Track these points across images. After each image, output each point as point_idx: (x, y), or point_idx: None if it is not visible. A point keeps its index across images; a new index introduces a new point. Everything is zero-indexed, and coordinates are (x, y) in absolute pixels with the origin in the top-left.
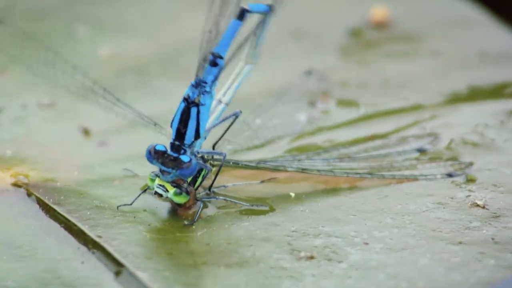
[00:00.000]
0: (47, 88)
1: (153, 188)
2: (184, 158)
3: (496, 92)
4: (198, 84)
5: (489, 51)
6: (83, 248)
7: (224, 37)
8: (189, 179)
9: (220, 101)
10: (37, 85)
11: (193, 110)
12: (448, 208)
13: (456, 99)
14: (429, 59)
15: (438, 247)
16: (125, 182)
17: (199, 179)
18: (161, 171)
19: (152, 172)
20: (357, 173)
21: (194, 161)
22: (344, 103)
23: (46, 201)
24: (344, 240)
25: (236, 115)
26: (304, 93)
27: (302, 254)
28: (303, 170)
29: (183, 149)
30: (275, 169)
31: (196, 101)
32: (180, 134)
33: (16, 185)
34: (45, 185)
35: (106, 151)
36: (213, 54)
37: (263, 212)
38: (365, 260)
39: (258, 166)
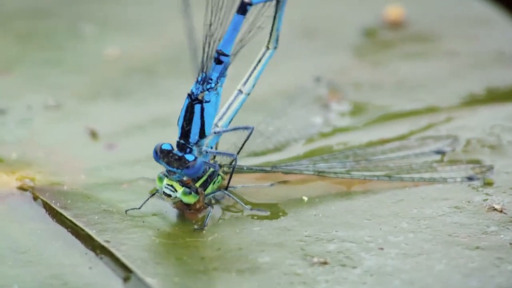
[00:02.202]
0: (52, 89)
1: (162, 188)
2: (189, 157)
3: None
4: (203, 81)
5: (507, 51)
6: (91, 253)
7: (227, 33)
8: (198, 183)
9: (240, 91)
10: (43, 85)
11: (197, 107)
12: (465, 212)
13: (472, 100)
14: (444, 59)
15: (454, 252)
16: (133, 186)
17: (210, 185)
18: (167, 171)
19: (161, 172)
20: (374, 176)
21: (199, 160)
22: (358, 104)
23: (53, 205)
24: (359, 245)
25: (247, 129)
26: (316, 96)
27: (315, 259)
28: (320, 173)
29: (189, 147)
30: (290, 173)
31: (200, 97)
32: (184, 132)
33: (21, 188)
34: (52, 188)
35: (114, 154)
36: (217, 51)
37: (275, 217)
38: (380, 266)
39: (273, 170)
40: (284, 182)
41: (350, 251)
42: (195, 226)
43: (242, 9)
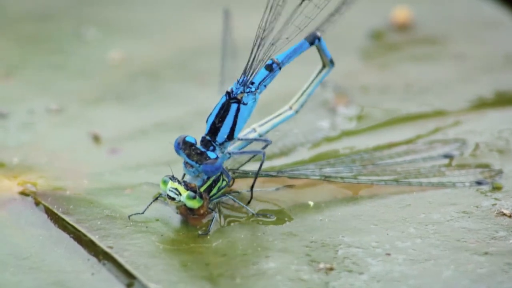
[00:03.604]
0: (55, 93)
1: (166, 192)
2: (211, 154)
3: None
4: (245, 83)
5: None
6: (93, 259)
7: (290, 50)
8: (203, 187)
9: (254, 130)
10: (45, 89)
11: (233, 106)
12: (473, 217)
13: (481, 104)
14: (453, 62)
15: (462, 258)
16: (137, 191)
17: (215, 189)
18: (185, 163)
19: (166, 176)
20: (382, 181)
21: (220, 160)
22: (365, 108)
23: (55, 210)
24: (365, 250)
25: (266, 141)
26: (323, 100)
27: (322, 265)
28: (326, 178)
29: (213, 145)
30: (297, 178)
31: (239, 97)
32: (213, 129)
33: (23, 193)
34: (54, 193)
35: (117, 159)
36: (273, 59)
37: (281, 222)
38: (387, 272)
39: (278, 175)
40: (290, 186)
41: (356, 256)
42: (199, 232)
43: (311, 40)
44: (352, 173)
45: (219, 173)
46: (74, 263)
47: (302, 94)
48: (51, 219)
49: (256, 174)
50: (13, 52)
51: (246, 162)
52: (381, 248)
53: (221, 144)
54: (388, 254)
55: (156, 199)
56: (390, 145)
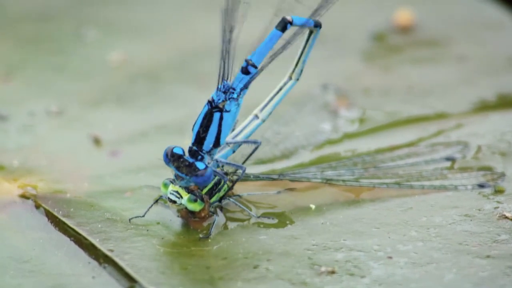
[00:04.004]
0: (55, 95)
1: (167, 194)
2: (199, 165)
3: None
4: (226, 90)
5: None
6: (94, 263)
7: (262, 46)
8: (204, 190)
9: (256, 116)
10: (45, 91)
11: (216, 115)
12: (475, 220)
13: (483, 106)
14: (455, 64)
15: (464, 261)
16: (137, 194)
17: (216, 193)
18: (175, 175)
19: (166, 179)
20: (383, 183)
21: (210, 169)
22: (367, 110)
23: (55, 213)
24: (367, 254)
25: (256, 143)
26: (324, 103)
27: (323, 268)
28: (328, 181)
29: (201, 155)
30: (298, 181)
31: (221, 106)
32: (199, 139)
33: (23, 196)
34: (54, 196)
35: (118, 161)
36: (247, 61)
37: (282, 225)
38: (388, 275)
39: (280, 178)
40: (291, 189)
41: (358, 260)
42: (200, 235)
43: (282, 26)
44: (354, 176)
45: (219, 177)
46: (75, 266)
47: (298, 62)
48: (51, 222)
49: (232, 185)
50: (13, 53)
51: (250, 155)
52: (383, 251)
53: (209, 152)
54: (390, 258)
55: (156, 201)
56: (392, 148)
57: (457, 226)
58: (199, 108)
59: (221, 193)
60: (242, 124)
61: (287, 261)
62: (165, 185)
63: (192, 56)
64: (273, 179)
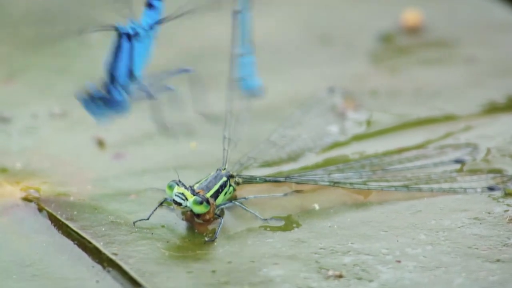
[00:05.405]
0: (59, 96)
1: (172, 197)
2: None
3: None
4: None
5: None
6: (98, 267)
7: None
8: (209, 193)
9: None
10: (49, 93)
11: (126, 45)
12: (485, 223)
13: (492, 108)
14: (464, 66)
15: (474, 265)
16: (141, 197)
17: (221, 195)
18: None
19: (172, 181)
20: (392, 186)
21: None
22: (375, 113)
23: (59, 216)
24: (375, 257)
25: (187, 71)
26: (331, 105)
27: (331, 272)
28: (335, 184)
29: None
30: (305, 183)
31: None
32: (110, 71)
33: (26, 199)
34: (57, 199)
35: (122, 164)
36: None
37: (289, 228)
38: (397, 279)
39: (286, 180)
40: (298, 191)
41: (366, 263)
42: (206, 238)
43: None
44: (362, 178)
45: (225, 179)
46: (78, 270)
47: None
48: (54, 226)
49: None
50: (15, 55)
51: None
52: (391, 255)
53: (124, 85)
54: (398, 261)
55: (161, 204)
56: (400, 150)
57: (467, 229)
58: (205, 110)
59: (227, 195)
60: None
61: (294, 265)
62: (170, 187)
63: (197, 57)
64: (280, 182)
